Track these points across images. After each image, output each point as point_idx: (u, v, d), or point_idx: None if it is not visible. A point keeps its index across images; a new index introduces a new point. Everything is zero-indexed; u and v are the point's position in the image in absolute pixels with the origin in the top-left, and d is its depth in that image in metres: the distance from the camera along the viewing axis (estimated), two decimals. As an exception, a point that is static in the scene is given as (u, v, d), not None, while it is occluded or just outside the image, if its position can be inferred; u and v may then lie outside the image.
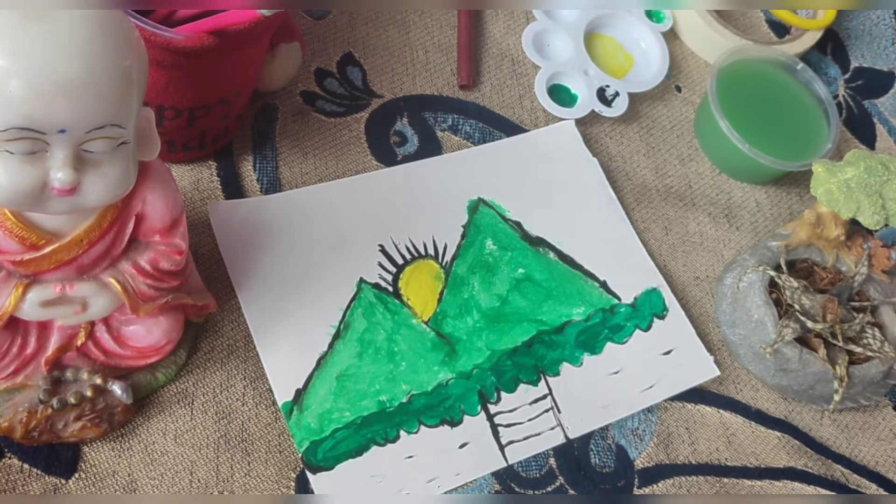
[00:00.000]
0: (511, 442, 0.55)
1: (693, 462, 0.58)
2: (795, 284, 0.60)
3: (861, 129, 0.79)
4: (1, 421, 0.46)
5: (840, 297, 0.60)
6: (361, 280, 0.58)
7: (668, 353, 0.60)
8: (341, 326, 0.56)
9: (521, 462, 0.55)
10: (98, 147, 0.37)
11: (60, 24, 0.35)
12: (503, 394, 0.56)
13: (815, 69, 0.75)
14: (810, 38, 0.78)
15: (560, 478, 0.55)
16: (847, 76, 0.82)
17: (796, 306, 0.59)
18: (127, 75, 0.37)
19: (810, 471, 0.59)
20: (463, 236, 0.61)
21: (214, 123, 0.56)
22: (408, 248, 0.60)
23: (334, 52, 0.67)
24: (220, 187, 0.59)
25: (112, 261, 0.45)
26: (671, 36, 0.76)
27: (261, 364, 0.54)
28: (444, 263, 0.60)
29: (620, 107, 0.69)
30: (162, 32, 0.47)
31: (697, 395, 0.60)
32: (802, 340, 0.59)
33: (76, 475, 0.48)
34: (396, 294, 0.58)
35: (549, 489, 0.55)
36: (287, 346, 0.54)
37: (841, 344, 0.58)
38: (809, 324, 0.58)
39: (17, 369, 0.47)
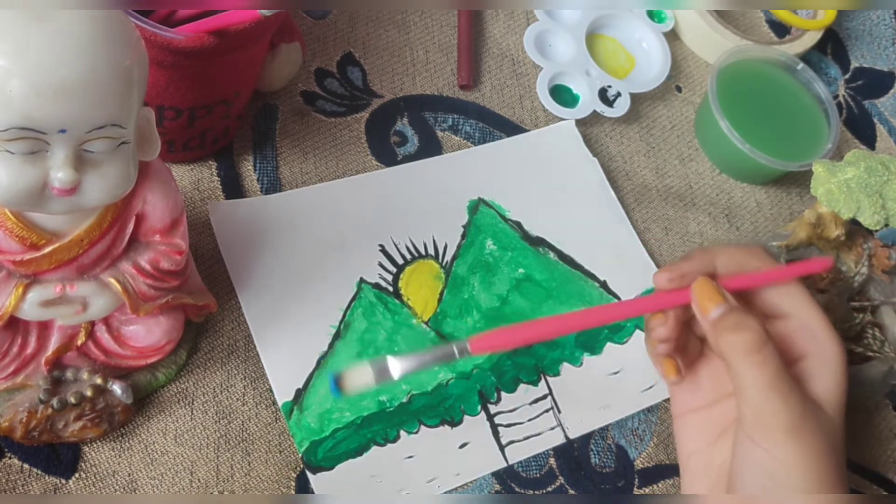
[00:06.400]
0: (511, 442, 0.55)
1: (693, 462, 0.58)
2: (795, 285, 0.60)
3: (861, 129, 0.79)
4: (1, 421, 0.46)
5: (840, 298, 0.60)
6: (361, 280, 0.58)
7: (668, 353, 0.60)
8: (341, 326, 0.56)
9: (521, 462, 0.55)
10: (98, 147, 0.37)
11: (61, 24, 0.34)
12: (503, 394, 0.56)
13: (815, 69, 0.75)
14: (810, 39, 0.78)
15: (560, 478, 0.55)
16: (847, 76, 0.82)
17: (796, 306, 0.59)
18: (127, 75, 0.37)
19: (810, 471, 0.59)
20: (463, 236, 0.61)
21: (215, 123, 0.56)
22: (408, 248, 0.60)
23: (334, 52, 0.67)
24: (220, 187, 0.59)
25: (112, 261, 0.44)
26: (671, 36, 0.76)
27: (261, 364, 0.54)
28: (444, 263, 0.60)
29: (622, 107, 0.69)
30: (162, 32, 0.47)
31: (697, 395, 0.60)
32: (802, 341, 0.59)
33: (76, 475, 0.48)
34: (396, 294, 0.58)
35: (549, 489, 0.55)
36: (287, 345, 0.54)
37: (841, 344, 0.58)
38: (809, 324, 0.58)
39: (18, 369, 0.47)
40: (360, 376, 0.39)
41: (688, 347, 0.47)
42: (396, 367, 0.40)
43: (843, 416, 0.43)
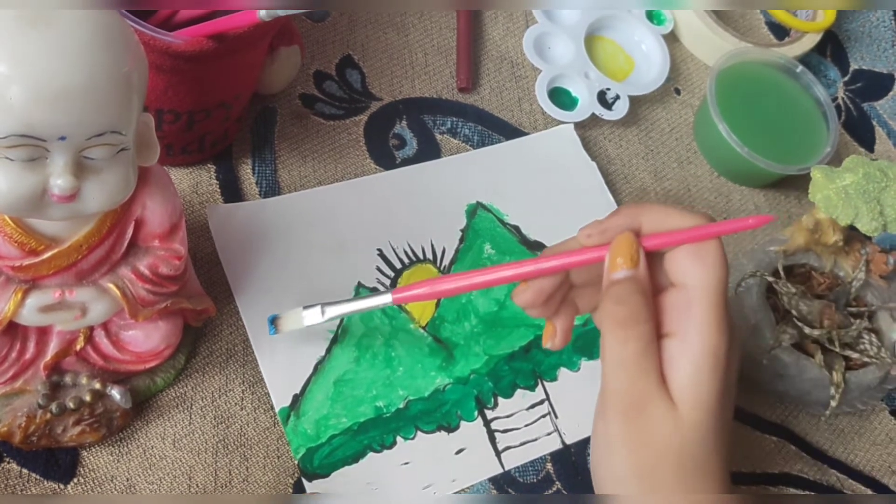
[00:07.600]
0: (508, 447, 0.55)
1: (690, 467, 0.58)
2: (793, 290, 0.60)
3: (860, 131, 0.79)
4: (0, 426, 0.46)
5: (837, 303, 0.60)
6: (360, 284, 0.58)
7: (665, 357, 0.60)
8: (339, 331, 0.56)
9: (517, 467, 0.55)
10: (98, 154, 0.37)
11: (60, 30, 0.34)
12: (500, 399, 0.56)
13: (814, 72, 0.75)
14: (810, 41, 0.78)
15: (557, 483, 0.55)
16: (846, 79, 0.82)
17: (794, 312, 0.59)
18: (127, 81, 0.37)
19: (805, 476, 0.60)
20: (461, 240, 0.61)
21: (213, 127, 0.56)
22: (406, 253, 0.60)
23: (333, 54, 0.67)
24: (218, 191, 0.59)
25: (111, 266, 0.45)
26: (671, 38, 0.76)
27: (259, 368, 0.54)
28: (442, 268, 0.60)
29: (621, 110, 0.69)
30: (161, 36, 0.47)
31: (694, 399, 0.60)
32: (799, 346, 0.59)
33: (75, 480, 0.48)
34: (395, 298, 0.58)
35: (545, 494, 0.55)
36: (285, 350, 0.54)
37: (838, 349, 0.59)
38: (807, 329, 0.58)
39: (16, 374, 0.47)
40: (292, 319, 0.47)
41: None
42: (325, 311, 0.47)
43: (713, 417, 0.39)
